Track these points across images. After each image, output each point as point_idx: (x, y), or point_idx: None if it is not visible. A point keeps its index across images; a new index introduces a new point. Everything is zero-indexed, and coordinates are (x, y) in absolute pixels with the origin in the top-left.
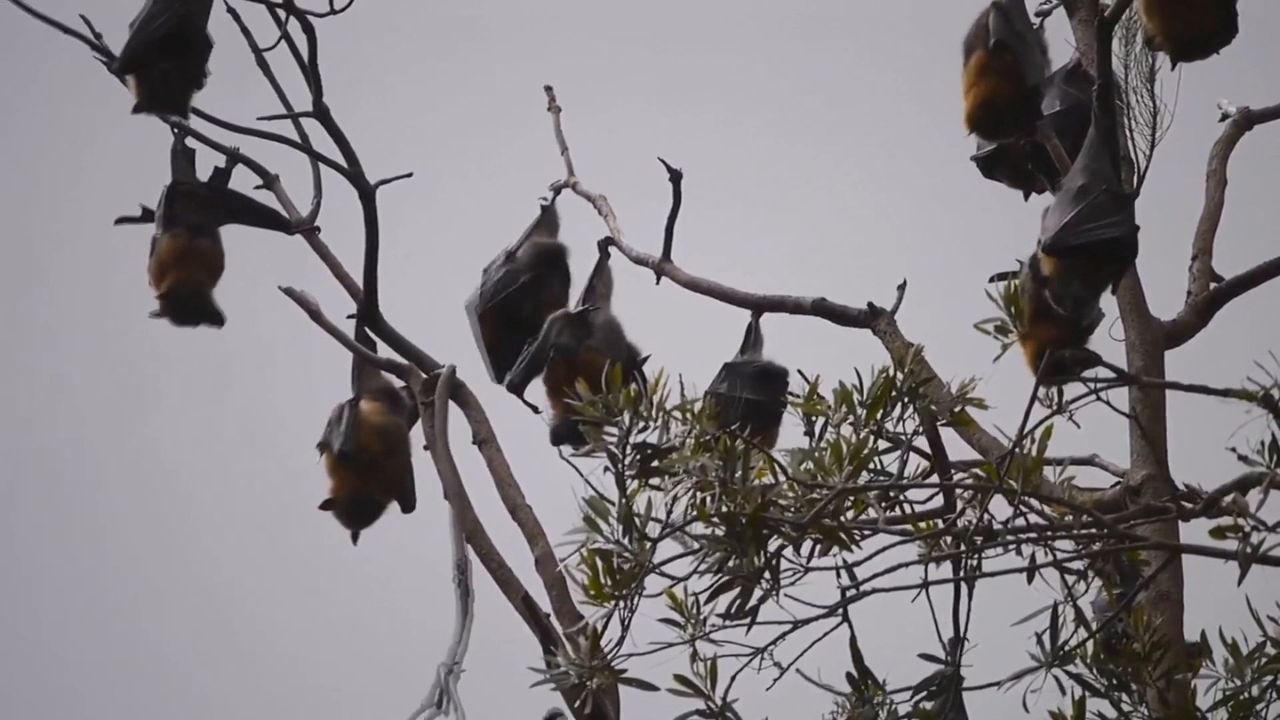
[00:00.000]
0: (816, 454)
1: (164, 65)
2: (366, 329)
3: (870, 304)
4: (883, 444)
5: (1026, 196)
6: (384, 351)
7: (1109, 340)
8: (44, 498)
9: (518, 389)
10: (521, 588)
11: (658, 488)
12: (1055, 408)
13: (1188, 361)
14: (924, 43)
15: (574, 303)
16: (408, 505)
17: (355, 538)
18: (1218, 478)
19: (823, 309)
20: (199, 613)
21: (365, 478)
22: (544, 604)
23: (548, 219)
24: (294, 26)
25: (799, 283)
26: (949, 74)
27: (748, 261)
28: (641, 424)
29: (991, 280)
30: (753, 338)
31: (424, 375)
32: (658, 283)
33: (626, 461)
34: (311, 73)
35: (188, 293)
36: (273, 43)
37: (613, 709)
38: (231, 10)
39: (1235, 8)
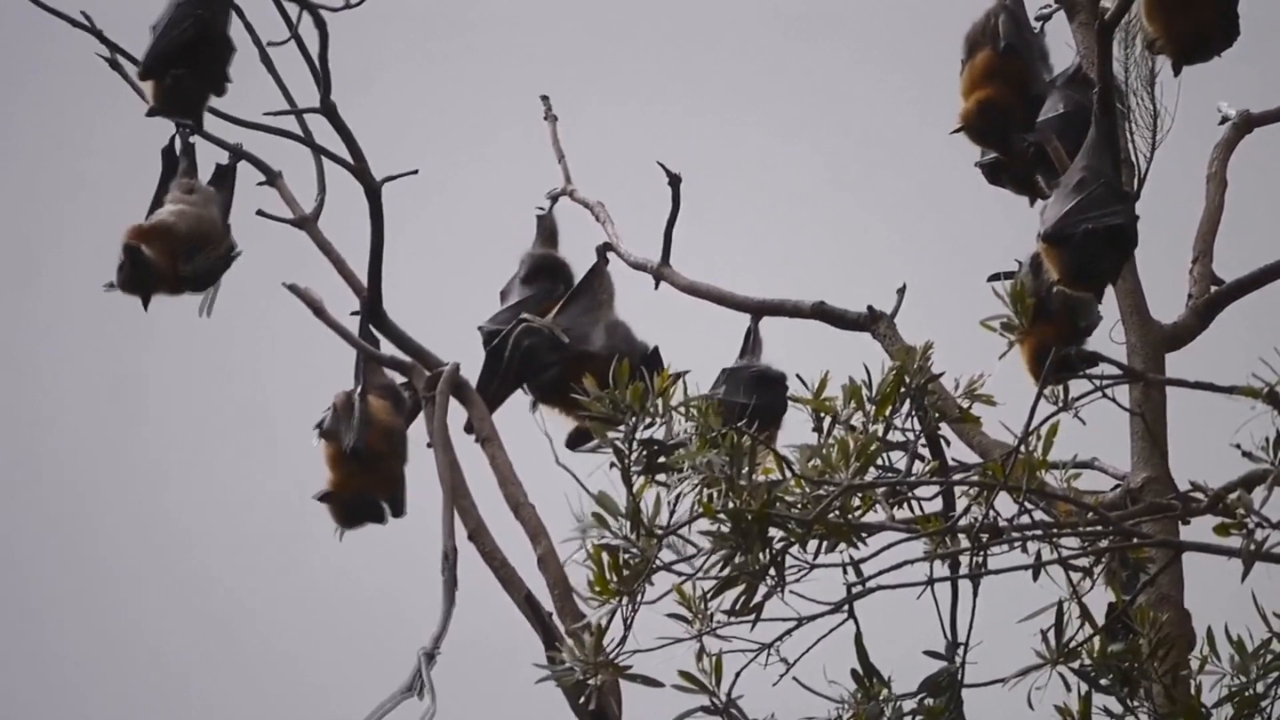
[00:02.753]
0: (823, 450)
1: (180, 70)
2: (370, 326)
3: (870, 307)
4: (894, 436)
5: (1032, 203)
6: (386, 348)
7: (1110, 343)
8: (42, 496)
9: (496, 401)
10: (524, 586)
11: (664, 484)
12: (1060, 405)
13: (1188, 364)
14: (923, 44)
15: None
16: (398, 510)
17: (341, 534)
18: (1218, 481)
19: (822, 313)
20: (195, 610)
21: (366, 476)
22: (546, 603)
23: (545, 231)
24: (304, 22)
25: (798, 286)
26: (949, 76)
27: (747, 265)
28: (648, 420)
29: (990, 280)
30: (752, 342)
31: (427, 372)
32: (656, 287)
33: (633, 458)
34: (321, 69)
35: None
36: (283, 38)
37: (615, 707)
38: (235, 7)
39: (1236, 10)
